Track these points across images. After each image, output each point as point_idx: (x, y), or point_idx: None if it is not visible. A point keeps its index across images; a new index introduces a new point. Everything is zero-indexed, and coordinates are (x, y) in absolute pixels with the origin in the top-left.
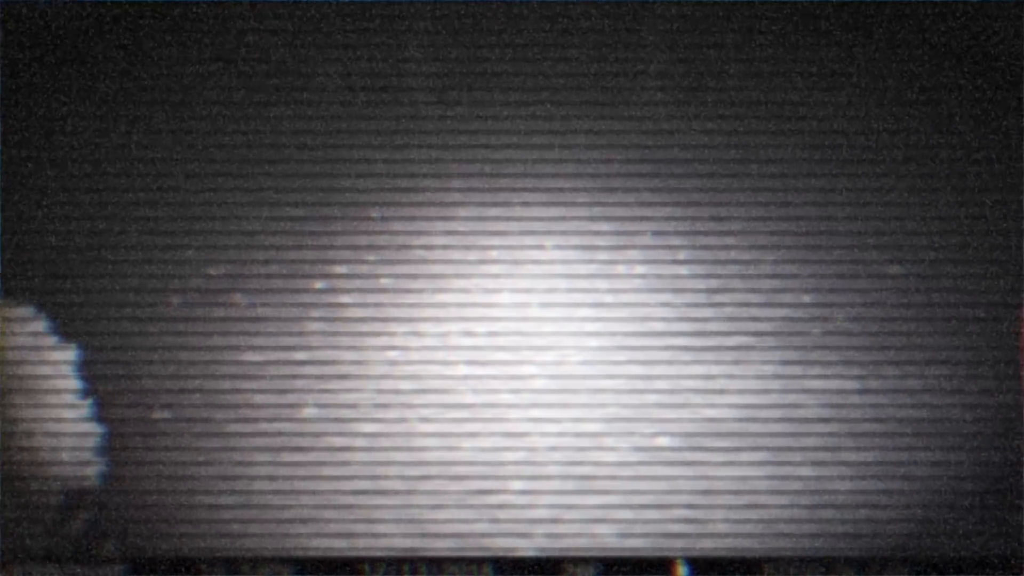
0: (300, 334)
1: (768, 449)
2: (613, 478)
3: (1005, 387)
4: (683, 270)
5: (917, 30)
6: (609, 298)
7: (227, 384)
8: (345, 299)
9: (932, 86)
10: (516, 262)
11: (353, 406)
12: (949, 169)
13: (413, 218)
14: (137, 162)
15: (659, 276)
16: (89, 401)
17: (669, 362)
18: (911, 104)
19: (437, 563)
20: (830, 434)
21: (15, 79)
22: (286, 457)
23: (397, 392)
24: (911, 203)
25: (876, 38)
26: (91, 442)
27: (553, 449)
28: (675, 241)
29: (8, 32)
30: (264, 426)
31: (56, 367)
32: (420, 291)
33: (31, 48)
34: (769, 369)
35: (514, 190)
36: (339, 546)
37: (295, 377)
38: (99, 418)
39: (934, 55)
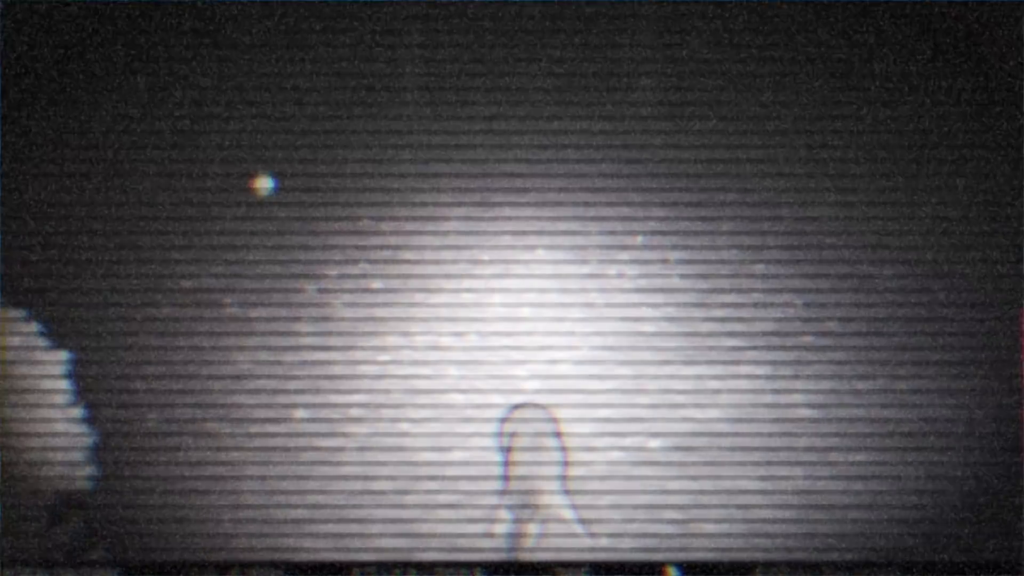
0: (291, 337)
1: (760, 452)
2: (605, 479)
3: (1004, 388)
4: (675, 273)
5: (913, 29)
6: (600, 301)
7: (218, 387)
8: (336, 303)
9: (928, 86)
10: (507, 263)
11: (344, 409)
12: (946, 170)
13: (404, 221)
14: (129, 165)
15: (650, 280)
16: (80, 405)
17: (661, 365)
18: (905, 105)
19: (428, 567)
20: (823, 436)
21: (12, 84)
22: (277, 460)
23: (388, 395)
24: (906, 204)
25: (871, 39)
26: (82, 446)
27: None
28: (666, 244)
29: (7, 36)
30: (255, 430)
31: (48, 371)
32: (412, 294)
33: (29, 52)
34: (761, 372)
35: (505, 193)
36: (329, 550)
37: (286, 380)
38: (90, 422)
39: (931, 55)
